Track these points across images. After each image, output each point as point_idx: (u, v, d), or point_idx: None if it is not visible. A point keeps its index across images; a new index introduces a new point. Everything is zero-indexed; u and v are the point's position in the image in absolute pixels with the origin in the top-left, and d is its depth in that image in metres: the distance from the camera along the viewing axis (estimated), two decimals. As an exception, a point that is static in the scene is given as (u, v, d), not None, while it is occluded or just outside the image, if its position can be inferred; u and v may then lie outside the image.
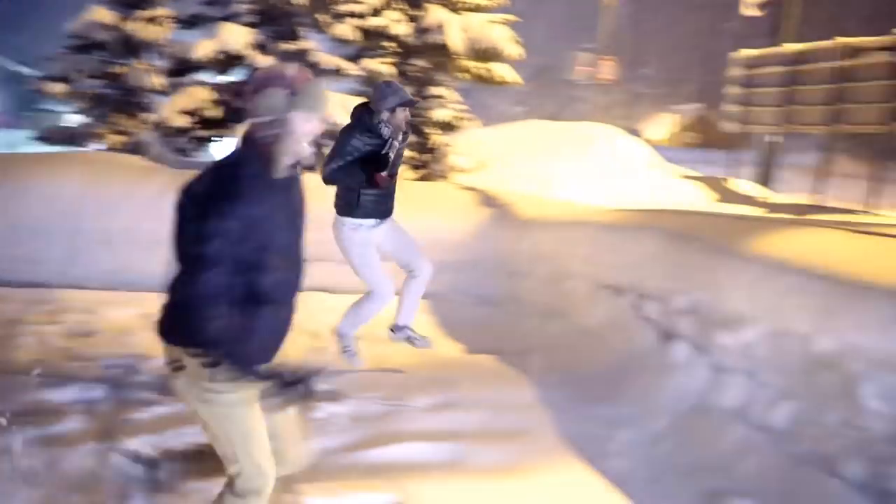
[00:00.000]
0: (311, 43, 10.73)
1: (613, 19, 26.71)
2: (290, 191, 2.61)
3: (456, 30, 10.59)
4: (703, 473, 4.26)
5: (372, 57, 10.94)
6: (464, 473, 4.08)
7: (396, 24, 10.75)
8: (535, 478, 4.10)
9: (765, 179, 17.79)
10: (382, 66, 10.71)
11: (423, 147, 11.14)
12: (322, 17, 10.78)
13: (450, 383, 5.25)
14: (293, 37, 10.59)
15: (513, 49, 10.89)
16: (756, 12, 18.68)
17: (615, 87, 38.28)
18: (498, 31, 10.83)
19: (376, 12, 10.87)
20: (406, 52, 10.95)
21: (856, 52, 11.59)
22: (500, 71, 11.35)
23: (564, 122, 15.49)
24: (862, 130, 12.61)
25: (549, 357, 6.16)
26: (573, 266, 7.05)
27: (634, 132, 34.62)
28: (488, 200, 8.98)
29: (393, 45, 10.93)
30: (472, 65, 11.22)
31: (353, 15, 10.80)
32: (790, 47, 13.05)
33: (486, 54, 10.94)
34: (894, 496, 3.72)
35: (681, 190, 14.19)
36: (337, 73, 10.56)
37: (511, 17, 11.31)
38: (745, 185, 15.50)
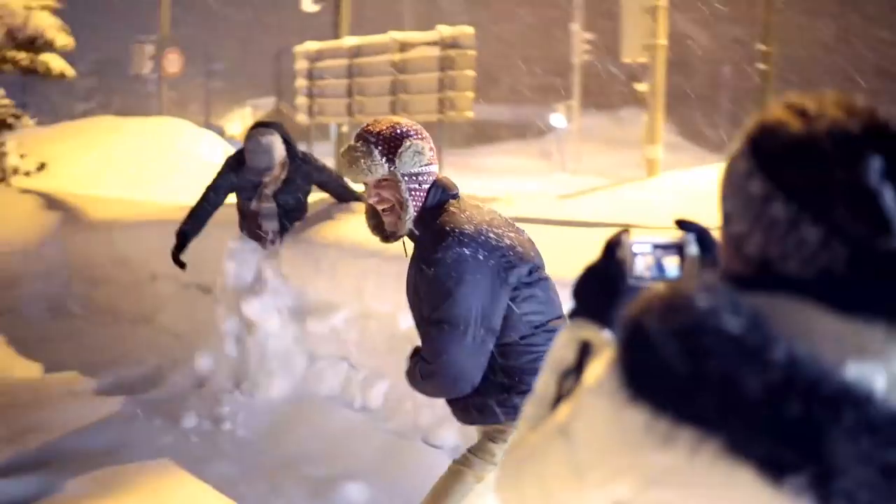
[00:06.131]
0: None
1: (171, 9, 25.86)
2: None
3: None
4: (310, 462, 4.34)
5: None
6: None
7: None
8: (137, 490, 3.88)
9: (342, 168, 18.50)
10: None
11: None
12: None
13: (25, 408, 4.82)
14: None
15: (61, 38, 10.12)
16: (314, 8, 19.28)
17: (185, 81, 37.39)
18: (41, 18, 9.97)
19: None
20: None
21: (407, 46, 12.50)
22: (51, 62, 10.50)
23: (135, 118, 14.71)
24: (420, 119, 13.63)
25: (136, 367, 5.88)
26: (158, 267, 6.77)
27: (215, 128, 34.13)
28: (55, 204, 8.31)
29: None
30: (15, 55, 10.21)
31: None
32: (349, 41, 13.66)
33: (30, 44, 10.03)
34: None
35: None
36: None
37: (51, 3, 10.46)
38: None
